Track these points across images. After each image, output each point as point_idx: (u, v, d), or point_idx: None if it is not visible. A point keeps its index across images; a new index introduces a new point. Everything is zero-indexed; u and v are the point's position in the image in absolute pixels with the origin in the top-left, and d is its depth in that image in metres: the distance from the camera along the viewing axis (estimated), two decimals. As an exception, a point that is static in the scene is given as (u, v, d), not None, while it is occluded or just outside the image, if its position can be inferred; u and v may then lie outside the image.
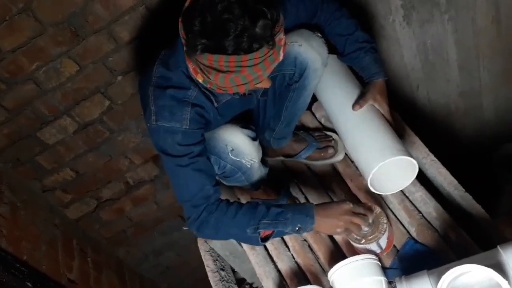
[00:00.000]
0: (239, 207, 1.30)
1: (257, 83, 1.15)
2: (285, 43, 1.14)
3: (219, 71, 1.08)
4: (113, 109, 1.74)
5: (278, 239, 1.57)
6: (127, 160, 1.92)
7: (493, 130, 2.37)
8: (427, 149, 1.61)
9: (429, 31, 1.91)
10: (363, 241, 1.33)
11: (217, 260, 1.72)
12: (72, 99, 1.65)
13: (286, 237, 1.57)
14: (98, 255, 2.10)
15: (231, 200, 1.35)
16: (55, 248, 1.85)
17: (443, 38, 1.95)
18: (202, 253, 1.72)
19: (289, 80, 1.44)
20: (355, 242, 1.35)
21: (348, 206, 1.30)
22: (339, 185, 1.64)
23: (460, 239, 1.37)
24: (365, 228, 1.31)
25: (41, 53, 1.51)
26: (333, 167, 1.69)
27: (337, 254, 1.49)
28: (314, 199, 1.62)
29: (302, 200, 1.64)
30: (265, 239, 1.32)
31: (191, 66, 1.19)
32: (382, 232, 1.33)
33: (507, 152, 2.36)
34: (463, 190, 1.48)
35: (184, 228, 1.90)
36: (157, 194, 2.11)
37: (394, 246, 1.44)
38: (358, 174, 1.61)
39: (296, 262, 1.52)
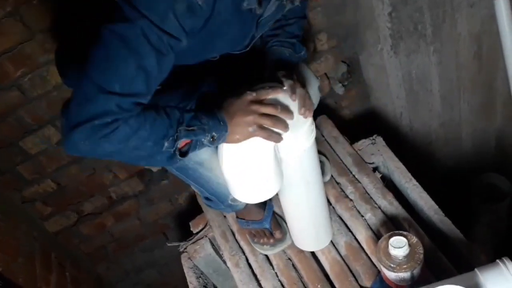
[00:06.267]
0: (156, 112, 0.93)
1: None
2: None
3: None
4: (99, 120, 1.60)
5: (262, 257, 1.46)
6: (111, 174, 1.77)
7: (470, 160, 2.33)
8: (409, 174, 1.56)
9: (415, 61, 1.87)
10: (397, 269, 1.15)
11: (200, 277, 1.60)
12: (58, 109, 1.49)
13: (270, 256, 1.46)
14: (77, 270, 1.92)
15: None
16: (33, 261, 1.67)
17: (427, 69, 1.91)
18: (186, 269, 1.59)
19: None
20: (388, 270, 1.17)
21: (251, 95, 1.01)
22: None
23: (439, 261, 1.31)
24: (399, 255, 1.14)
25: (27, 60, 1.38)
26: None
27: (320, 273, 1.39)
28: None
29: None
30: (183, 153, 0.99)
31: None
32: (418, 262, 1.15)
33: (481, 183, 2.31)
34: (443, 214, 1.43)
35: (169, 245, 1.75)
36: (141, 210, 1.95)
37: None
38: (343, 195, 1.51)
39: (280, 281, 1.41)
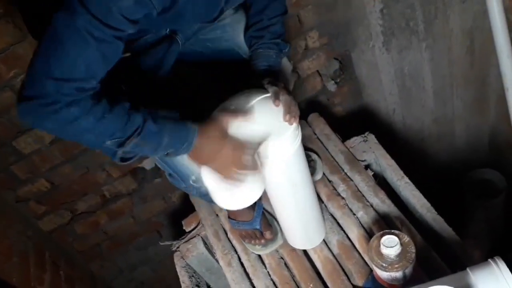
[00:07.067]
0: (108, 108, 0.92)
1: None
2: None
3: None
4: (91, 120, 1.61)
5: (254, 256, 1.47)
6: (104, 172, 1.78)
7: (464, 156, 2.34)
8: (401, 172, 1.56)
9: (407, 58, 1.88)
10: (389, 268, 1.16)
11: (192, 276, 1.61)
12: (50, 109, 1.52)
13: (263, 255, 1.47)
14: (71, 268, 1.93)
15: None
16: (27, 261, 1.69)
17: (420, 65, 1.92)
18: (178, 269, 1.61)
19: None
20: (380, 269, 1.18)
21: (225, 119, 1.06)
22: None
23: (431, 260, 1.31)
24: (391, 254, 1.15)
25: (19, 61, 1.38)
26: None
27: (313, 272, 1.40)
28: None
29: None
30: (126, 159, 1.03)
31: None
32: (410, 261, 1.16)
33: (474, 178, 2.33)
34: (435, 212, 1.42)
35: (161, 244, 1.77)
36: (134, 208, 1.97)
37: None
38: (335, 193, 1.52)
39: (272, 280, 1.42)
